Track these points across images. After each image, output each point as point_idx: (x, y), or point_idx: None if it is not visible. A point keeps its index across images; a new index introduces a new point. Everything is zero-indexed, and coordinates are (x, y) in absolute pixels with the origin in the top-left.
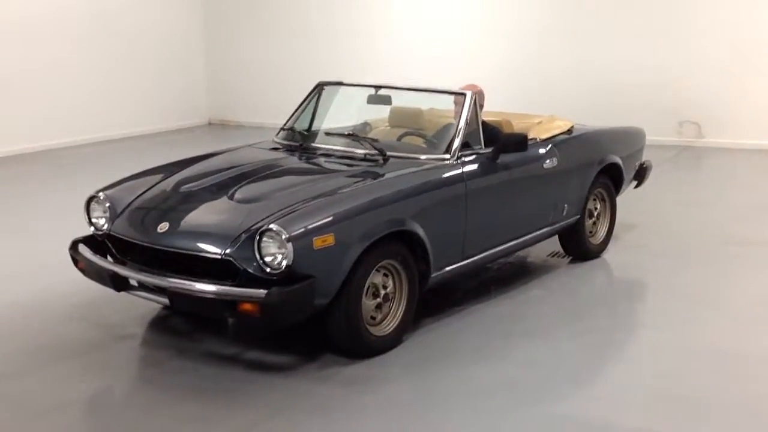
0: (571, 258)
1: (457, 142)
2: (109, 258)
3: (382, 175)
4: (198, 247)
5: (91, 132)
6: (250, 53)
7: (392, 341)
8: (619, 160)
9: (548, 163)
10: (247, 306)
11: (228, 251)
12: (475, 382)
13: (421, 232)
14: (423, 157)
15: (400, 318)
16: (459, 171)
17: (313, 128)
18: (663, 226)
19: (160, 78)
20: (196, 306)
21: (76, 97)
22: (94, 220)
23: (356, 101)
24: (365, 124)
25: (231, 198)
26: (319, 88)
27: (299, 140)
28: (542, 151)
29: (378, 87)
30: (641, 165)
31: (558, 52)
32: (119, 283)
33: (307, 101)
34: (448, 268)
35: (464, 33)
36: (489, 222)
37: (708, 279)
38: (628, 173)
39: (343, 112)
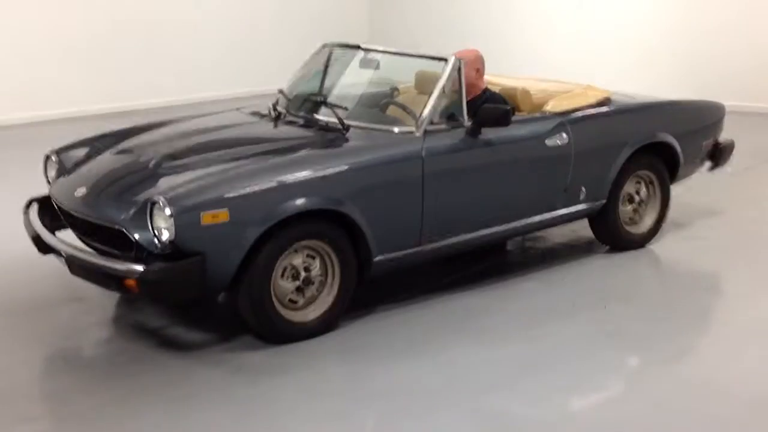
0: (609, 247)
1: (425, 114)
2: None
3: (324, 147)
4: (99, 214)
5: (247, 86)
6: (416, 16)
7: (318, 328)
8: (671, 139)
9: (554, 140)
10: (130, 281)
11: (121, 221)
12: (373, 382)
13: (355, 212)
14: (396, 129)
15: (330, 304)
16: (415, 147)
17: (303, 93)
18: (749, 218)
19: (320, 33)
20: (88, 276)
21: (227, 51)
22: (50, 179)
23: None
24: (393, 89)
25: (157, 166)
26: (325, 50)
27: (283, 105)
28: (546, 126)
29: (367, 50)
30: (716, 144)
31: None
32: (42, 246)
33: (308, 64)
34: (398, 254)
35: None
36: (461, 205)
37: (754, 287)
38: (689, 154)
39: (366, 77)
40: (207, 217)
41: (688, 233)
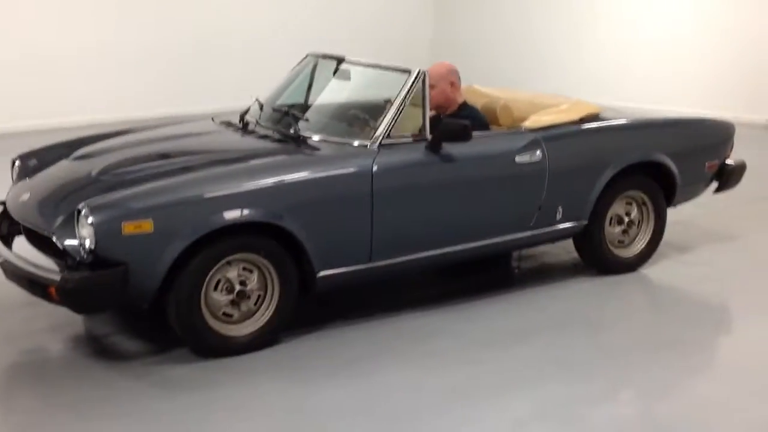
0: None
1: (380, 128)
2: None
3: (271, 159)
4: (34, 220)
5: None
6: (478, 33)
7: (254, 343)
8: (666, 159)
9: (525, 157)
10: (51, 289)
11: (51, 229)
12: (298, 401)
13: (295, 227)
14: (356, 142)
15: (268, 319)
16: (364, 162)
17: (275, 103)
18: (762, 244)
19: (379, 50)
20: (19, 282)
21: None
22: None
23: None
24: (386, 102)
25: (100, 174)
26: (309, 60)
27: (255, 115)
28: (517, 142)
29: (346, 61)
30: (723, 165)
31: None
32: None
33: (290, 74)
34: (345, 270)
35: None
36: (418, 222)
37: (747, 322)
38: (689, 176)
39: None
40: (129, 227)
41: (689, 258)
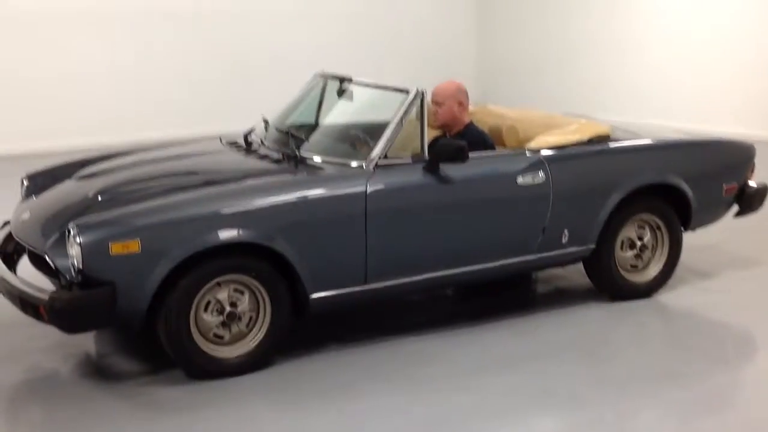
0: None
1: (376, 149)
2: None
3: (266, 179)
4: (30, 240)
5: None
6: (521, 50)
7: (245, 365)
8: (679, 182)
9: (528, 179)
10: (41, 308)
11: (45, 248)
12: (279, 424)
13: (287, 248)
14: (354, 163)
15: (259, 341)
16: (358, 183)
17: (280, 123)
18: None
19: (422, 68)
20: (12, 300)
21: None
22: None
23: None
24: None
25: (98, 194)
26: (318, 80)
27: (260, 135)
28: (519, 163)
29: (343, 80)
30: (743, 188)
31: None
32: None
33: (300, 94)
34: (339, 292)
35: None
36: (415, 244)
37: (762, 354)
38: (706, 199)
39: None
40: (116, 247)
41: (709, 284)
